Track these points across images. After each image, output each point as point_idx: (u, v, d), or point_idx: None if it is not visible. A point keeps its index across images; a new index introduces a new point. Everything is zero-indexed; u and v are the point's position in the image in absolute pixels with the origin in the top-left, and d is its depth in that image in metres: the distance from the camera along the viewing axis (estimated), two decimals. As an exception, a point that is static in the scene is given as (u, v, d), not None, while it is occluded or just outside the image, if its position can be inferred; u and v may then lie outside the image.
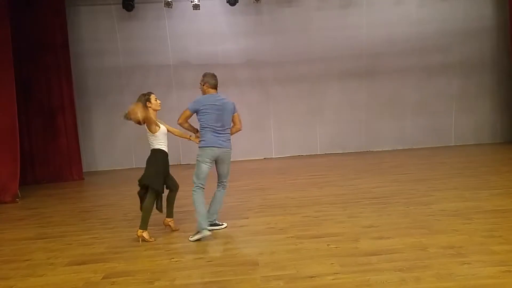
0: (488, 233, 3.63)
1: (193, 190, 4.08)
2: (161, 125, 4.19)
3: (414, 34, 9.97)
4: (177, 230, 4.34)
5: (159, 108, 4.22)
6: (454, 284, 2.68)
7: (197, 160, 4.10)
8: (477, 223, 3.93)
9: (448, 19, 9.98)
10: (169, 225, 4.35)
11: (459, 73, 10.23)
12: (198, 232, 3.97)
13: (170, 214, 4.35)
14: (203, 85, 4.22)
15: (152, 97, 4.16)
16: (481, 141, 10.32)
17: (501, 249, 3.23)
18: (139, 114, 3.87)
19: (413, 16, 9.94)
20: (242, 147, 10.11)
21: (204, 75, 4.24)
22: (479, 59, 10.19)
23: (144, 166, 4.25)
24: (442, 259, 3.10)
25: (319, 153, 10.29)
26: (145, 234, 4.02)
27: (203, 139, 4.07)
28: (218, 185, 4.31)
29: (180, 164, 9.80)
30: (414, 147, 10.24)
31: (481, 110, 10.34)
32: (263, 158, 10.24)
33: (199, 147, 4.11)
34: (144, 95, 4.15)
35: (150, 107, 4.11)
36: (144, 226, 4.01)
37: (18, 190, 6.71)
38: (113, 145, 9.99)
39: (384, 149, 10.25)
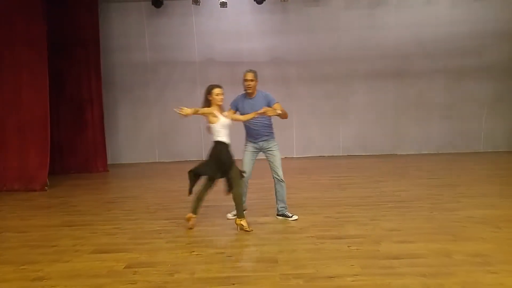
0: (517, 242, 3.51)
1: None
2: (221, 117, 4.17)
3: (444, 35, 9.67)
4: (251, 230, 4.09)
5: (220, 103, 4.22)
6: (480, 293, 2.61)
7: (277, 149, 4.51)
8: (506, 232, 3.80)
9: (480, 21, 9.61)
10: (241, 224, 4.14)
11: (491, 77, 9.85)
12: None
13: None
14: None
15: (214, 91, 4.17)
16: (512, 148, 9.92)
17: (530, 260, 3.11)
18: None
19: (443, 17, 9.63)
20: (264, 145, 10.12)
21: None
22: (512, 62, 9.79)
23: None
24: (467, 267, 3.01)
25: (341, 154, 10.15)
26: (243, 222, 4.12)
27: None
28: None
29: (202, 160, 9.90)
30: (441, 151, 9.95)
31: (513, 116, 9.94)
32: (284, 157, 10.21)
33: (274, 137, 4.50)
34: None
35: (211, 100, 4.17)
36: (240, 214, 4.13)
37: (47, 179, 6.92)
38: (137, 139, 10.19)
39: (409, 153, 10.01)
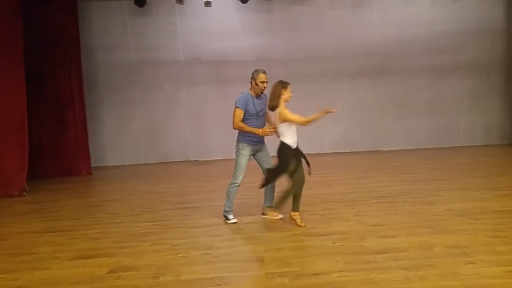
0: (493, 233, 3.62)
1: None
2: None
3: (426, 33, 9.86)
4: (303, 226, 4.12)
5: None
6: (458, 283, 2.68)
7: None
8: (483, 223, 3.92)
9: (459, 20, 9.84)
10: (294, 220, 4.18)
11: (470, 74, 10.09)
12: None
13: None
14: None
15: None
16: (489, 142, 10.18)
17: (506, 249, 3.22)
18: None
19: (425, 15, 9.82)
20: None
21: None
22: (490, 59, 10.04)
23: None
24: (447, 259, 3.09)
25: (327, 151, 10.25)
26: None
27: None
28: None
29: (188, 161, 9.86)
30: (423, 147, 10.14)
31: (491, 111, 10.19)
32: (271, 156, 10.24)
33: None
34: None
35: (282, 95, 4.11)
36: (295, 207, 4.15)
37: (25, 184, 6.73)
38: (122, 140, 10.06)
39: (393, 149, 10.17)
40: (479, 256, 3.11)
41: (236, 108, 4.23)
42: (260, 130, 4.21)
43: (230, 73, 9.91)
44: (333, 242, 3.59)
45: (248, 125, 4.23)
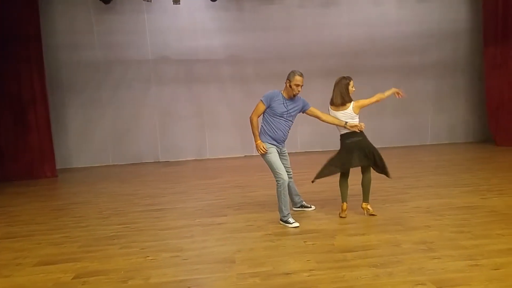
0: (457, 228, 3.75)
1: None
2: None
3: (393, 34, 10.15)
4: (375, 215, 4.30)
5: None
6: (424, 278, 2.75)
7: None
8: (448, 219, 4.05)
9: (424, 21, 10.21)
10: (367, 209, 4.35)
11: (435, 74, 10.49)
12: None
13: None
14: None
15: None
16: (454, 140, 10.62)
17: (469, 244, 3.34)
18: None
19: (392, 16, 10.11)
20: (223, 144, 10.05)
21: None
22: (454, 60, 10.48)
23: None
24: (414, 255, 3.17)
25: (299, 151, 10.34)
26: (369, 206, 4.35)
27: None
28: None
29: (159, 162, 9.68)
30: (392, 145, 10.42)
31: (455, 110, 10.64)
32: (243, 155, 10.21)
33: None
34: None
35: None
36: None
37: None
38: (89, 141, 9.75)
39: (362, 147, 10.39)
40: (444, 251, 3.21)
41: (260, 101, 4.19)
42: (257, 141, 4.17)
43: (200, 72, 9.83)
44: (304, 241, 3.61)
45: (275, 125, 4.19)
